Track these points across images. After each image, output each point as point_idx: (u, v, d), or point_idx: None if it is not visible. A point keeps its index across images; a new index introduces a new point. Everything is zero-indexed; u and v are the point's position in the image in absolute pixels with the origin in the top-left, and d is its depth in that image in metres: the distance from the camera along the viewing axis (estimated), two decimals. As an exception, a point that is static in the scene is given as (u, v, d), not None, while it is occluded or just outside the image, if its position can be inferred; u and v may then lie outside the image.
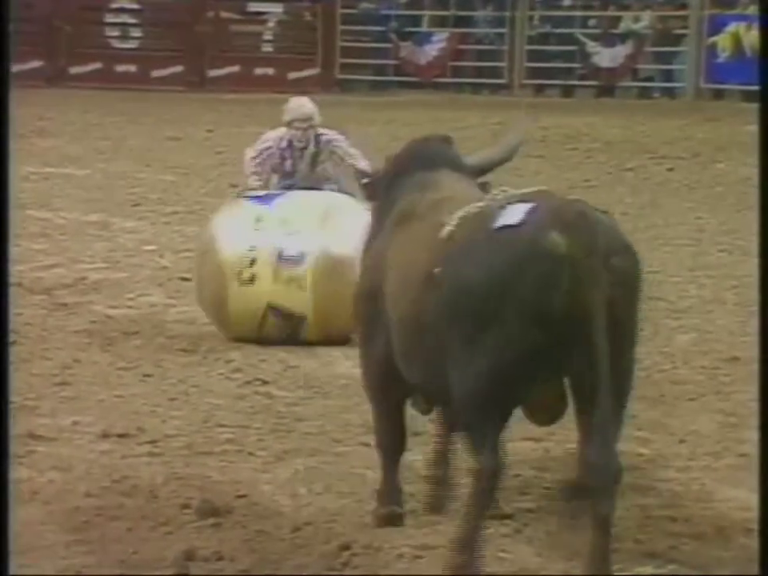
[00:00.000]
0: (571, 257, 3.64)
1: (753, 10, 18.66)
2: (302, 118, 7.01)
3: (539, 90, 19.79)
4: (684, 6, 19.26)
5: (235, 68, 20.11)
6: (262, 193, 6.96)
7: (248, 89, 19.00)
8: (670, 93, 19.35)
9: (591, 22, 19.83)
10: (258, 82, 19.52)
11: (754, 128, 17.10)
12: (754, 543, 4.13)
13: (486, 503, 3.89)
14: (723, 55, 18.50)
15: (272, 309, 6.65)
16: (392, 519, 4.32)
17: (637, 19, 19.53)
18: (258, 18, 20.55)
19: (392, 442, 4.36)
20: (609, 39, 19.39)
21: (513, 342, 3.69)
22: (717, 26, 18.61)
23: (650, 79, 19.58)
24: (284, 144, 7.02)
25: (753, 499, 4.44)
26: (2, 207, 4.00)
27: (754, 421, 5.40)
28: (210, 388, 5.88)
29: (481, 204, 3.97)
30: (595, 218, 3.77)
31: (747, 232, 9.34)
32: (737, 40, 18.31)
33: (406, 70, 20.23)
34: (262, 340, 6.60)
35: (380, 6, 20.83)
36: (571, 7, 20.13)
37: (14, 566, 3.68)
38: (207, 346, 6.54)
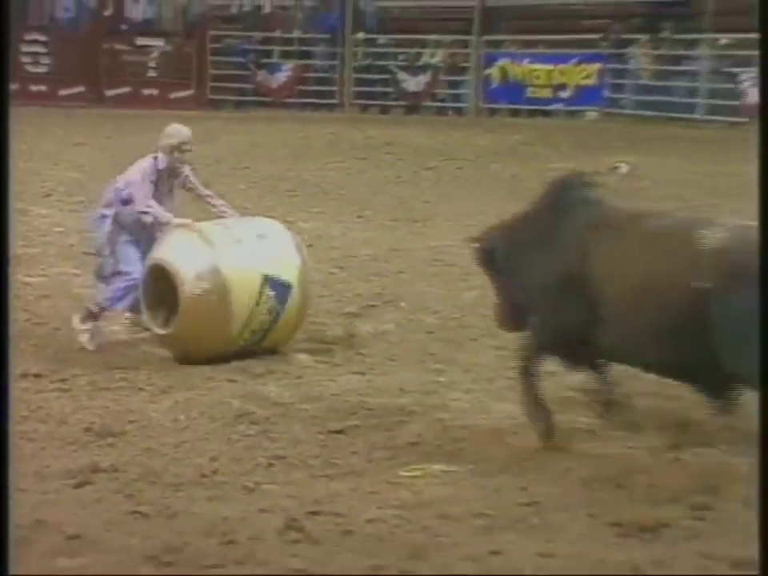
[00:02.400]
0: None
1: (514, 48, 19.18)
2: (187, 141, 5.67)
3: (363, 108, 19.82)
4: (466, 46, 19.63)
5: (127, 89, 19.46)
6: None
7: (137, 105, 18.43)
8: (458, 111, 19.60)
9: (401, 57, 19.95)
10: (145, 100, 18.96)
11: (518, 137, 17.51)
12: (518, 442, 4.18)
13: None
14: (495, 83, 18.95)
15: None
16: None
17: (433, 55, 19.75)
18: (145, 49, 19.96)
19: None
20: (413, 70, 19.53)
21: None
22: (489, 61, 19.05)
23: (443, 100, 19.81)
24: (161, 166, 5.60)
25: (516, 410, 4.53)
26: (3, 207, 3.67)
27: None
28: (108, 339, 5.69)
29: (744, 222, 3.65)
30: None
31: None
32: (504, 72, 18.83)
33: (262, 91, 19.97)
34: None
35: (240, 42, 20.49)
36: (386, 45, 20.24)
37: (13, 565, 3.48)
38: (106, 306, 6.30)
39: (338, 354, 5.51)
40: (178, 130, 5.77)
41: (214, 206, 5.69)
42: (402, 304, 6.51)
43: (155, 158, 5.70)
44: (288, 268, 5.45)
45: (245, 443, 4.33)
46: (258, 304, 5.33)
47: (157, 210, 5.57)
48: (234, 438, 4.33)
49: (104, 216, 5.75)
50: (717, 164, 10.67)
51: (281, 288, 5.40)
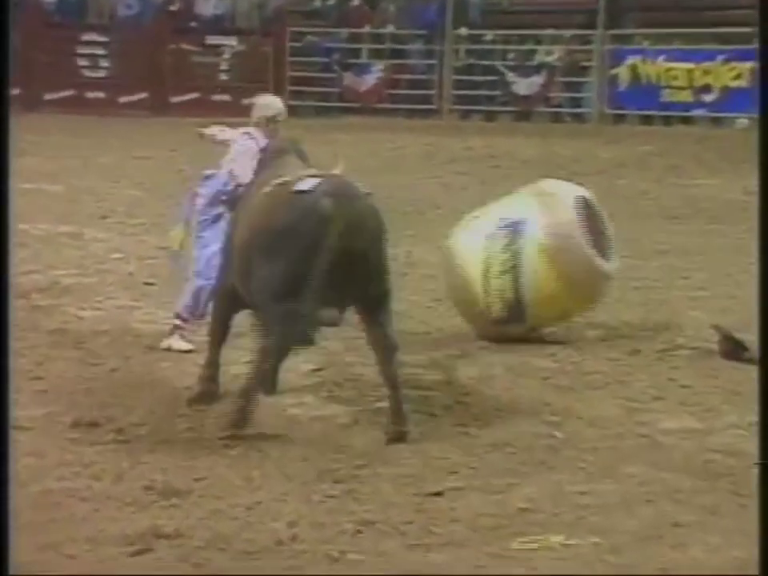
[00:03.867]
0: (333, 215, 4.91)
1: (646, 44, 18.92)
2: (281, 113, 6.25)
3: (465, 115, 19.87)
4: (589, 42, 19.46)
5: (195, 94, 19.95)
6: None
7: (207, 113, 18.85)
8: (578, 117, 19.50)
9: (510, 55, 19.95)
10: (216, 107, 19.37)
11: (649, 148, 17.35)
12: (650, 510, 4.12)
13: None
14: (623, 85, 18.73)
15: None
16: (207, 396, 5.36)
17: (549, 53, 19.69)
18: (216, 49, 20.43)
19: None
20: (525, 70, 19.51)
21: (294, 264, 4.89)
22: (617, 59, 18.82)
23: (560, 105, 19.71)
24: (262, 144, 5.99)
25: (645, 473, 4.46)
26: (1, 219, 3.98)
27: (655, 404, 5.47)
28: (172, 380, 5.80)
29: (288, 177, 5.13)
30: (356, 193, 5.04)
31: (647, 240, 9.43)
32: (634, 71, 18.57)
33: (348, 96, 20.22)
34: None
35: (324, 39, 20.78)
36: (492, 41, 20.23)
37: (13, 565, 3.57)
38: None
39: (436, 403, 5.50)
40: (272, 101, 6.37)
41: None
42: (514, 345, 6.47)
43: (248, 134, 6.20)
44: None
45: (327, 505, 4.33)
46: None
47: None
48: (314, 498, 4.35)
49: (196, 194, 6.26)
50: None
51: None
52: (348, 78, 20.25)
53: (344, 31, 20.93)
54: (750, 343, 6.17)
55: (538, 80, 19.41)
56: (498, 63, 19.75)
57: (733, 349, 6.12)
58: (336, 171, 5.24)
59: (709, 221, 10.84)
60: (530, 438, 5.02)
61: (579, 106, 19.56)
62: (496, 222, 6.66)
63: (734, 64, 17.64)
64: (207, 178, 6.26)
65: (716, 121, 17.95)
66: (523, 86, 19.43)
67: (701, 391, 5.66)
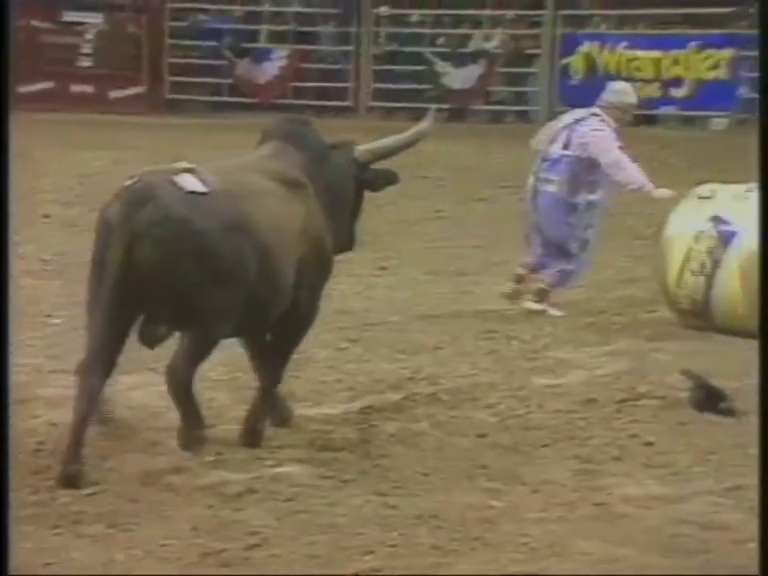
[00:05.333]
0: (114, 223, 5.35)
1: (604, 28, 19.24)
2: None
3: (387, 113, 20.02)
4: (536, 25, 19.72)
5: (49, 84, 19.81)
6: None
7: (63, 107, 18.72)
8: (523, 116, 19.79)
9: (440, 41, 20.15)
10: (74, 100, 19.25)
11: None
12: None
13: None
14: (576, 77, 19.00)
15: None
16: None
17: (487, 38, 19.94)
18: (75, 28, 20.30)
19: None
20: (459, 59, 19.74)
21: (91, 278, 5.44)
22: (569, 46, 19.10)
23: (502, 102, 19.97)
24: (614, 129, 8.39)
25: (612, 551, 4.54)
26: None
27: (614, 466, 5.56)
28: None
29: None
30: (153, 195, 5.40)
31: (605, 265, 9.60)
32: (590, 61, 18.83)
33: (243, 89, 20.23)
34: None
35: (213, 18, 20.81)
36: (420, 23, 20.43)
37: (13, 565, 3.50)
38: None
39: (348, 466, 5.54)
40: (631, 89, 8.71)
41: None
42: (443, 396, 6.53)
43: (601, 118, 8.45)
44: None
45: (213, 595, 4.34)
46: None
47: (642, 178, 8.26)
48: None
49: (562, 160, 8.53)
50: None
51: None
52: (242, 67, 20.30)
53: (238, 9, 20.99)
54: (729, 392, 6.33)
55: (474, 71, 19.67)
56: (426, 50, 19.97)
57: (707, 398, 6.26)
58: (182, 164, 5.56)
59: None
60: (462, 509, 5.07)
61: (525, 103, 19.85)
62: (709, 217, 7.94)
63: (709, 51, 18.01)
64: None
65: (688, 120, 18.28)
66: (458, 78, 19.68)
67: (668, 450, 5.78)
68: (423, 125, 6.47)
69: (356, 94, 20.08)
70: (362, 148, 6.19)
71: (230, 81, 20.37)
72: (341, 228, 6.05)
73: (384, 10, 20.31)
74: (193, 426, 5.60)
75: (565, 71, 19.08)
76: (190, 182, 5.48)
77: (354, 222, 6.23)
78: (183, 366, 5.51)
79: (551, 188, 8.45)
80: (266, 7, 20.96)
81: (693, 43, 18.13)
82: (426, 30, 20.40)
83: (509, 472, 5.51)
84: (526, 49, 19.69)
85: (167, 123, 18.07)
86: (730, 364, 7.11)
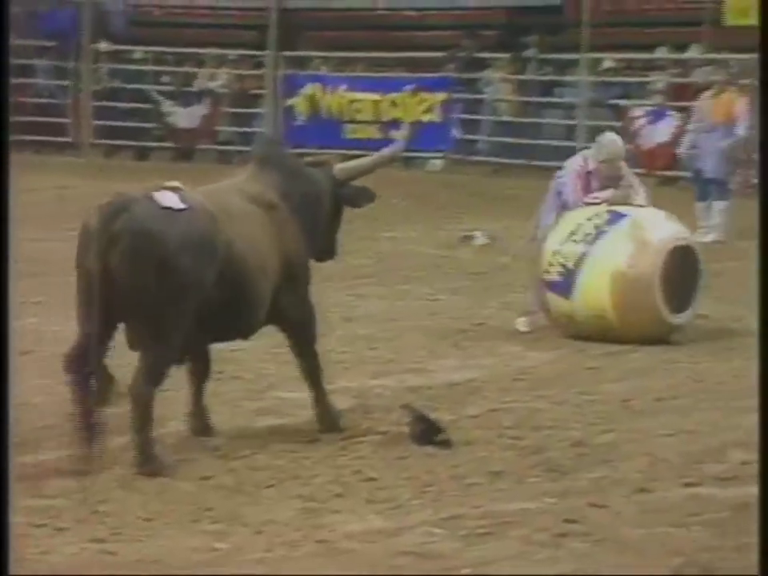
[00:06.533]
0: (92, 230, 5.86)
1: (325, 69, 19.58)
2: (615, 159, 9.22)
3: (110, 151, 19.76)
4: (261, 65, 19.84)
5: None
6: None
7: None
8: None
9: (165, 79, 20.03)
10: None
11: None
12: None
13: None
14: (301, 118, 19.23)
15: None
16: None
17: (213, 77, 19.95)
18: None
19: None
20: (185, 98, 19.67)
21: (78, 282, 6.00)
22: (293, 87, 19.32)
23: (230, 142, 20.00)
24: (589, 167, 9.19)
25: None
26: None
27: (337, 503, 5.65)
28: None
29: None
30: (129, 207, 5.89)
31: (330, 305, 9.72)
32: (313, 102, 19.11)
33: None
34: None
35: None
36: (143, 60, 20.26)
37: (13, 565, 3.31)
38: None
39: (62, 513, 5.43)
40: (606, 143, 9.39)
41: None
42: (168, 440, 6.48)
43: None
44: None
45: None
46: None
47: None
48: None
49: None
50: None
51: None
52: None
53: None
54: (445, 424, 6.53)
55: (200, 110, 19.63)
56: (150, 88, 19.81)
57: (425, 431, 6.44)
58: (171, 183, 6.08)
59: (401, 280, 11.36)
60: (186, 553, 5.05)
61: (252, 143, 19.89)
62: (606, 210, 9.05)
63: (424, 95, 18.57)
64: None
65: (406, 162, 18.77)
66: (183, 116, 19.60)
67: (388, 485, 5.91)
68: (395, 145, 7.32)
69: (77, 131, 19.72)
70: (340, 166, 6.85)
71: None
72: (318, 238, 6.69)
73: (104, 45, 20.05)
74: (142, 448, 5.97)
75: (290, 112, 19.28)
76: (167, 198, 5.91)
77: (334, 233, 6.88)
78: (144, 383, 5.92)
79: None
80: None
81: (408, 86, 18.65)
82: (149, 68, 20.24)
83: (233, 513, 5.53)
84: (251, 89, 19.79)
85: None
86: (449, 397, 7.36)
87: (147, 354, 5.96)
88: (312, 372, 6.69)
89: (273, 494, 5.82)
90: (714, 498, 5.63)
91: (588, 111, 17.99)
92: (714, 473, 6.01)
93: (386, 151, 7.14)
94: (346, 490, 5.85)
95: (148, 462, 5.94)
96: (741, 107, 13.83)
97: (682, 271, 8.92)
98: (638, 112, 16.85)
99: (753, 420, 6.72)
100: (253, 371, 7.94)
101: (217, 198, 6.27)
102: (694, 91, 17.29)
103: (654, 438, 6.60)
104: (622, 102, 17.60)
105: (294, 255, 6.50)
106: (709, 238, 12.77)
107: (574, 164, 9.27)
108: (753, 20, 17.15)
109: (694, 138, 14.06)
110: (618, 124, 17.46)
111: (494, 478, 5.95)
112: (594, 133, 18.24)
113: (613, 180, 9.15)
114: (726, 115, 13.83)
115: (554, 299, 8.96)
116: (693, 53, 18.15)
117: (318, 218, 6.68)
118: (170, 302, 5.87)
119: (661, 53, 18.48)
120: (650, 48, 18.50)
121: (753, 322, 9.06)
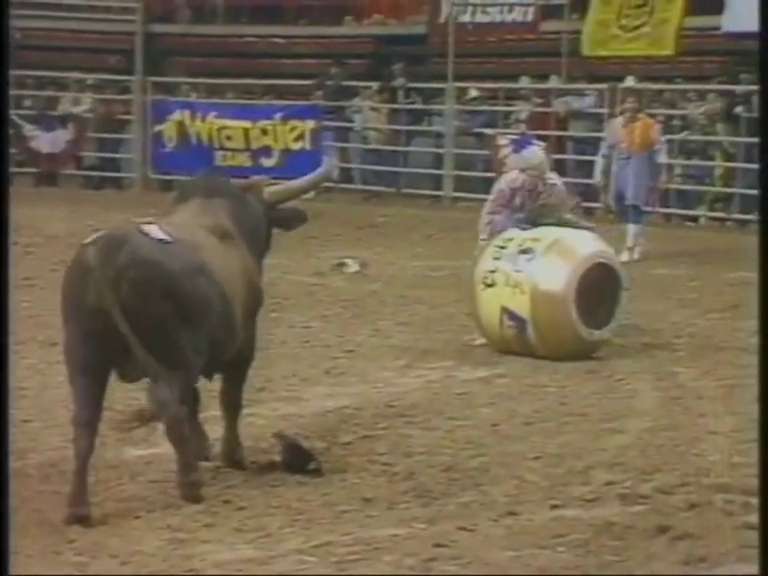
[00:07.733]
0: (93, 266, 5.75)
1: (194, 96, 19.50)
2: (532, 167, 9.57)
3: (-29, 177, 19.36)
4: (127, 90, 19.68)
5: None
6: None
7: None
8: (117, 183, 19.67)
9: (27, 103, 19.76)
10: None
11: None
12: None
13: None
14: (170, 144, 19.10)
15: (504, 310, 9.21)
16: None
17: (77, 102, 19.73)
18: None
19: None
20: (48, 122, 19.43)
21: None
22: (161, 113, 19.19)
23: (94, 168, 19.78)
24: (517, 184, 9.54)
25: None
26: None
27: (206, 533, 5.63)
28: None
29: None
30: (125, 241, 5.84)
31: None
32: (182, 128, 18.99)
33: None
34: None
35: None
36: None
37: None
38: None
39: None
40: (527, 156, 9.83)
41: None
42: (31, 471, 6.38)
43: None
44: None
45: None
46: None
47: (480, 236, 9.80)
48: None
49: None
50: (463, 258, 11.38)
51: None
52: None
53: None
54: (317, 452, 6.54)
55: (64, 135, 19.40)
56: (12, 112, 19.51)
57: (296, 459, 6.44)
58: (146, 219, 6.13)
59: (273, 308, 11.34)
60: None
61: (119, 170, 19.73)
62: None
63: (294, 122, 18.61)
64: None
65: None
66: (46, 141, 19.34)
67: (259, 513, 5.90)
68: (324, 169, 7.88)
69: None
70: (270, 190, 6.76)
71: None
72: (259, 264, 6.62)
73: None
74: (187, 471, 6.01)
75: (158, 138, 19.15)
76: (155, 232, 5.94)
77: (263, 258, 6.76)
78: (175, 407, 5.86)
79: None
80: None
81: (278, 114, 18.67)
82: (13, 92, 19.90)
83: (99, 545, 5.46)
84: (118, 114, 19.61)
85: None
86: (321, 425, 7.37)
87: (174, 378, 5.87)
88: (236, 408, 6.63)
89: (140, 524, 5.77)
90: (579, 519, 5.74)
91: (455, 140, 18.21)
92: (579, 494, 6.12)
93: (316, 174, 7.21)
94: (215, 520, 5.82)
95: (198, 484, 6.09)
96: (655, 134, 14.10)
97: (602, 289, 9.18)
98: (503, 140, 17.09)
99: (617, 441, 6.92)
100: (122, 402, 7.84)
101: (186, 232, 6.17)
102: (555, 120, 17.71)
103: (522, 461, 6.70)
104: (488, 131, 17.86)
105: (256, 287, 6.45)
106: (623, 258, 12.95)
107: (502, 182, 9.69)
108: (609, 51, 17.72)
109: (607, 164, 14.21)
110: (485, 152, 17.77)
111: (366, 504, 5.97)
112: (462, 161, 18.70)
113: (535, 193, 9.53)
114: (642, 142, 14.03)
115: (485, 315, 9.32)
116: (553, 83, 18.52)
117: (262, 244, 6.68)
118: (184, 327, 5.83)
119: (523, 82, 18.83)
120: (513, 78, 18.84)
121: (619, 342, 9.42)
